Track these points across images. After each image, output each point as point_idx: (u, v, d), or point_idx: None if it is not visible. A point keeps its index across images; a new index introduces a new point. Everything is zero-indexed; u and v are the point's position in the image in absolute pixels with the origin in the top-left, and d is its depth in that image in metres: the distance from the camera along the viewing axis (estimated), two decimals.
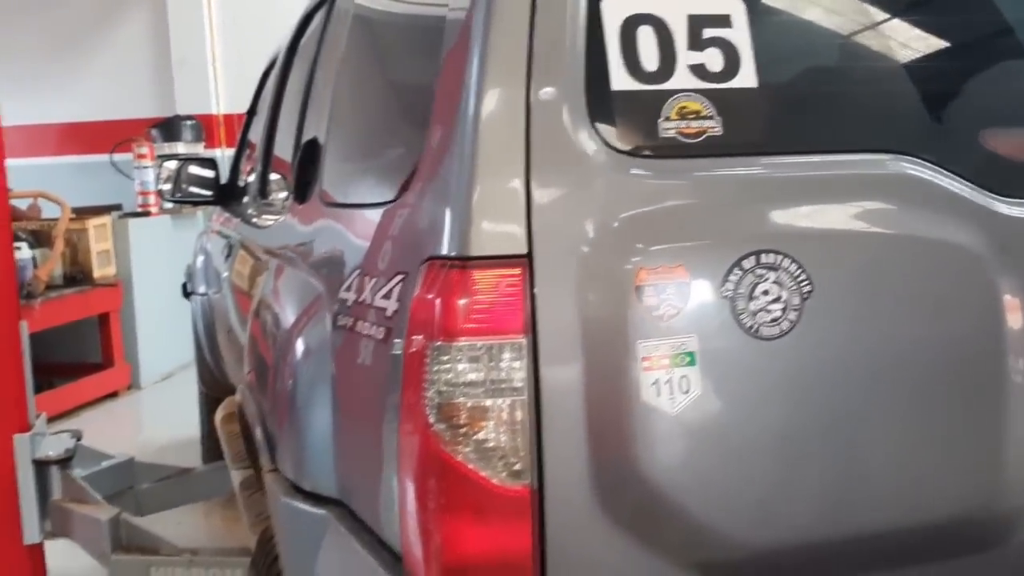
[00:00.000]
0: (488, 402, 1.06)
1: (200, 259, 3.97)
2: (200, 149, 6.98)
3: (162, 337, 6.44)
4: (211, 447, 4.06)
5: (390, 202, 1.33)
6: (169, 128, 6.86)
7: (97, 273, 5.90)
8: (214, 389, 3.97)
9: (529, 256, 1.07)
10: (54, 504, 2.90)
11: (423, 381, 1.08)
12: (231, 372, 3.46)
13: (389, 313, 1.20)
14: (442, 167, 1.15)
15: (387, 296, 1.22)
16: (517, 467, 1.06)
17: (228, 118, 7.19)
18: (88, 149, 6.95)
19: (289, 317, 1.69)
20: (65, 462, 2.95)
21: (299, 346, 1.55)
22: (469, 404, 1.06)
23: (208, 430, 4.07)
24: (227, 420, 3.58)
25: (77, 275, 5.77)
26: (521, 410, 1.06)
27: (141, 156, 6.44)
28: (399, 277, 1.19)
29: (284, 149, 2.43)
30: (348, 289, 1.39)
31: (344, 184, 1.68)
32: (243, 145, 3.70)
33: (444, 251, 1.10)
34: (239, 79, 7.13)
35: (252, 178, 3.23)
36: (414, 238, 1.19)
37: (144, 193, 6.47)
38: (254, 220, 2.68)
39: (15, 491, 2.88)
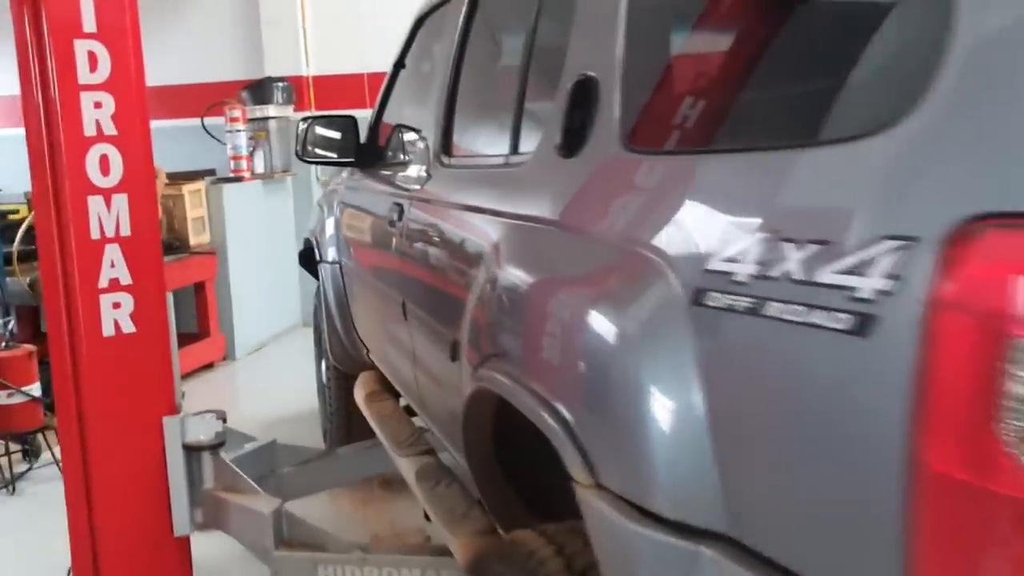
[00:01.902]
0: None
1: (330, 225, 3.68)
2: (290, 112, 6.72)
3: (255, 307, 6.21)
4: (342, 425, 3.79)
5: (835, 142, 1.00)
6: (260, 90, 6.59)
7: (193, 241, 5.67)
8: (345, 363, 3.68)
9: None
10: (207, 493, 2.64)
11: (990, 393, 0.76)
12: (375, 346, 3.17)
13: (865, 294, 0.88)
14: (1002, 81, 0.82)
15: (856, 271, 0.90)
16: None
17: (318, 79, 6.91)
18: (177, 113, 6.69)
19: (583, 291, 1.38)
20: (216, 447, 2.68)
21: (618, 331, 1.24)
22: None
23: (338, 407, 3.79)
24: (373, 398, 3.29)
25: (174, 243, 5.53)
26: None
27: (234, 120, 6.18)
28: (890, 244, 0.87)
29: (496, 99, 2.11)
30: (733, 260, 1.07)
31: (687, 126, 1.36)
32: (385, 103, 3.39)
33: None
34: (328, 41, 6.85)
35: (411, 137, 2.92)
36: (930, 187, 0.86)
37: (237, 158, 6.22)
38: (442, 181, 2.37)
39: (164, 478, 2.62)
